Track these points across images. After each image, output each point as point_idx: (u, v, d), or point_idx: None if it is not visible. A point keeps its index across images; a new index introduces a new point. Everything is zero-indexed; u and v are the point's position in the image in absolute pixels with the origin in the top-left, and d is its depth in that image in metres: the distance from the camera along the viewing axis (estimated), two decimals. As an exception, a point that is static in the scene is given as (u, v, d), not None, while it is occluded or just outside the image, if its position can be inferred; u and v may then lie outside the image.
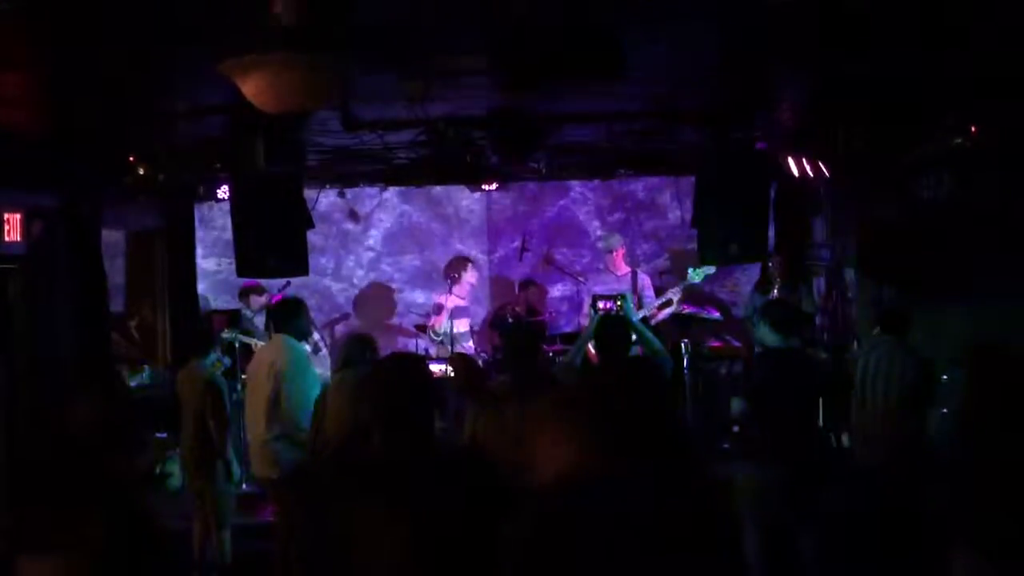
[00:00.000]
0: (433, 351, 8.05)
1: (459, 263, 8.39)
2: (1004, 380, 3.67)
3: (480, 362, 7.52)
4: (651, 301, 7.85)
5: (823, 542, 4.94)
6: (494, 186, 7.56)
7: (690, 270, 7.68)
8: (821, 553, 4.91)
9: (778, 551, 4.70)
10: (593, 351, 5.77)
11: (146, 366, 7.49)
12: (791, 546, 5.00)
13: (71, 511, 1.96)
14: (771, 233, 7.12)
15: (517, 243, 8.89)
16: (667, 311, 7.74)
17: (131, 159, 5.91)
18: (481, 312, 9.30)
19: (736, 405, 5.31)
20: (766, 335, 5.31)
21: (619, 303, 6.26)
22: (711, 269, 7.65)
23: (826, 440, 6.69)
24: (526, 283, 8.98)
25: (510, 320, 8.34)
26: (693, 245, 7.23)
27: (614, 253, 8.06)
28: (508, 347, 5.02)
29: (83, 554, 1.95)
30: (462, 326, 8.21)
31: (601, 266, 8.24)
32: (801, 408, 5.17)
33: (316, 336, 8.11)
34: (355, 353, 5.47)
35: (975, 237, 6.12)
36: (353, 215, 9.42)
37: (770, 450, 5.10)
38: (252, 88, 3.53)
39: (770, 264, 7.81)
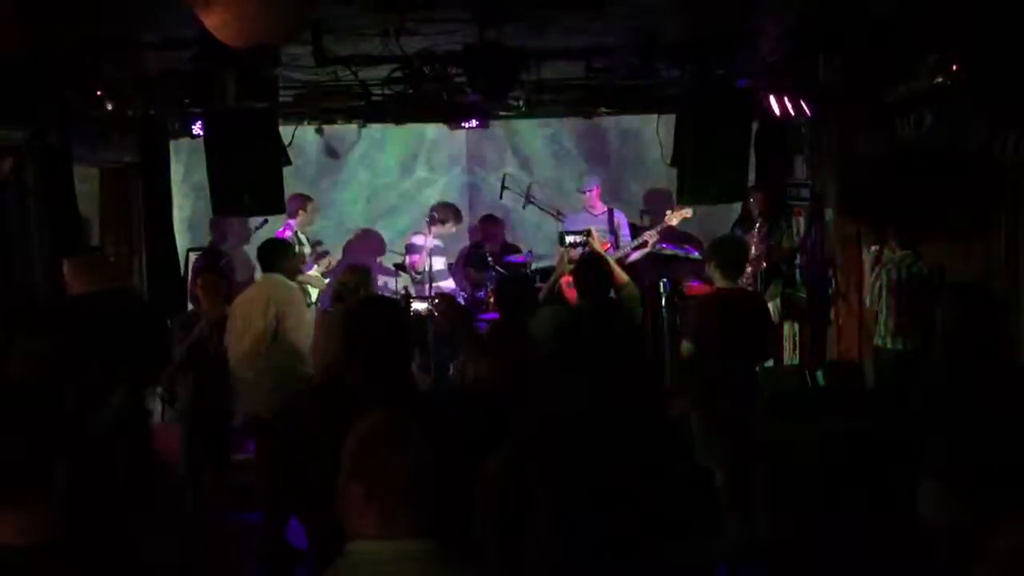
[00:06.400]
0: (413, 290, 8.03)
1: (446, 209, 8.32)
2: (979, 317, 3.71)
3: (462, 302, 7.51)
4: (628, 240, 7.81)
5: (787, 474, 4.99)
6: (473, 123, 7.44)
7: (668, 213, 7.63)
8: (784, 483, 4.97)
9: (739, 484, 4.74)
10: (573, 291, 5.77)
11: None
12: (750, 478, 5.03)
13: (35, 460, 1.91)
14: (751, 172, 7.07)
15: (497, 180, 8.79)
16: (641, 251, 7.70)
17: (99, 93, 5.78)
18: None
19: (685, 347, 5.29)
20: (713, 272, 5.28)
21: (585, 237, 6.32)
22: (688, 212, 7.59)
23: (800, 376, 6.76)
24: (486, 218, 8.90)
25: (490, 259, 8.25)
26: (672, 184, 7.19)
27: (589, 193, 8.00)
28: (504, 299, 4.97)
29: (48, 506, 1.90)
30: (439, 263, 8.28)
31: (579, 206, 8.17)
32: (740, 344, 5.13)
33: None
34: (347, 287, 5.51)
35: (955, 176, 6.11)
36: (332, 152, 9.28)
37: (717, 387, 5.08)
38: (215, 20, 3.42)
39: (751, 200, 7.75)
